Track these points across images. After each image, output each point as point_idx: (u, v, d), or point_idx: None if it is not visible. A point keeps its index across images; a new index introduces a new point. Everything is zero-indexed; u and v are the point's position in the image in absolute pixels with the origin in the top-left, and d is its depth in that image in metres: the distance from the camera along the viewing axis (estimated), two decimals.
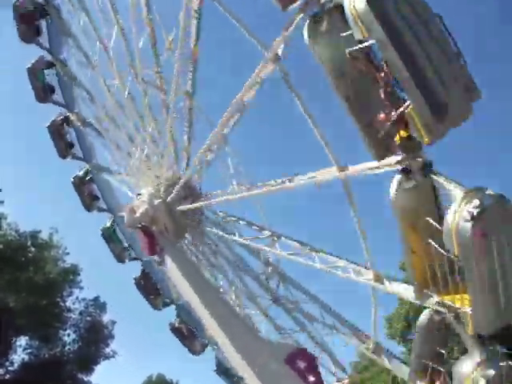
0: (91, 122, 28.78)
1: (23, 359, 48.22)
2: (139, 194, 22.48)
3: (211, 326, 19.70)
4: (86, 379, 50.70)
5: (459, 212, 11.13)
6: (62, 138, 31.09)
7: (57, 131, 30.83)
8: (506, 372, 13.02)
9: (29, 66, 29.17)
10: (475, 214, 10.79)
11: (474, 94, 11.27)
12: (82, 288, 52.14)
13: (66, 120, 30.69)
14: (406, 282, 16.74)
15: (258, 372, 16.87)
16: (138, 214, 21.25)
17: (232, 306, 23.42)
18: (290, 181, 17.31)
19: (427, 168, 12.75)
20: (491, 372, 12.59)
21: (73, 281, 51.47)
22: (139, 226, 21.23)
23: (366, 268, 17.64)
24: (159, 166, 23.31)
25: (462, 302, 12.68)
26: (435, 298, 13.61)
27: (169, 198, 21.79)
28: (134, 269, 33.39)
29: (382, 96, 11.35)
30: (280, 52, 14.63)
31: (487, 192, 11.33)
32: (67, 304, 51.16)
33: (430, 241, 12.65)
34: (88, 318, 51.55)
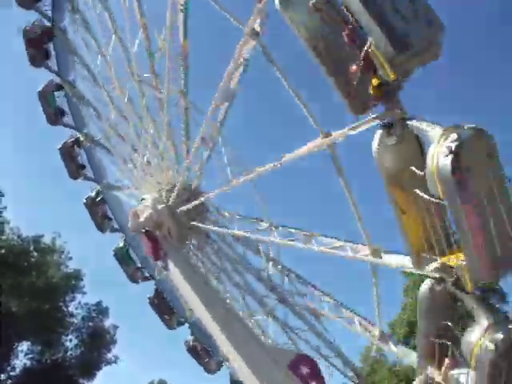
0: (100, 140, 29.31)
1: (25, 364, 48.43)
2: (143, 199, 22.55)
3: (213, 330, 19.71)
4: None
5: (438, 149, 10.83)
6: (73, 160, 31.71)
7: (68, 153, 31.46)
8: None
9: (39, 89, 30.07)
10: (453, 148, 10.46)
11: (438, 28, 11.15)
12: (84, 293, 52.33)
13: (77, 142, 31.34)
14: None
15: None
16: (141, 219, 21.26)
17: (235, 311, 23.38)
18: (277, 161, 17.11)
19: (406, 118, 12.38)
20: (499, 336, 11.97)
21: (75, 286, 51.57)
22: (143, 230, 21.26)
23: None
24: (160, 170, 23.42)
25: (458, 259, 12.44)
26: (433, 264, 13.12)
27: (170, 202, 21.83)
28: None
29: (346, 40, 11.45)
30: (257, 27, 14.59)
31: (466, 126, 11.01)
32: (69, 309, 51.48)
33: (416, 190, 12.20)
34: (90, 323, 51.60)
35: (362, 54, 11.22)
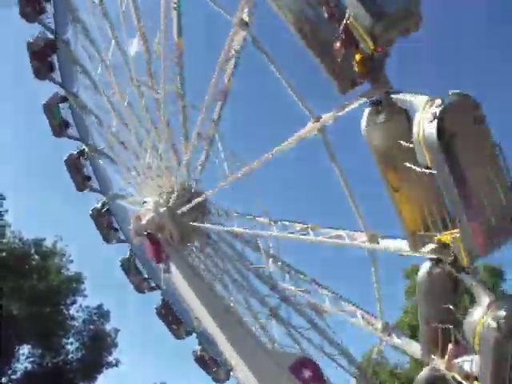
0: (103, 149, 29.72)
1: (26, 368, 48.06)
2: (145, 202, 22.64)
3: (216, 335, 19.73)
4: None
5: (423, 116, 10.70)
6: (79, 172, 32.14)
7: (74, 165, 31.90)
8: None
9: (44, 102, 30.65)
10: (438, 113, 10.35)
11: None
12: (85, 296, 52.20)
13: (82, 153, 31.72)
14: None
15: None
16: (144, 222, 21.38)
17: (235, 312, 23.40)
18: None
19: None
20: (502, 313, 11.59)
21: (76, 289, 51.40)
22: (145, 233, 21.34)
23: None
24: (161, 173, 23.51)
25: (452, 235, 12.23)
26: (430, 245, 12.91)
27: (171, 204, 21.90)
28: None
29: (326, 15, 11.65)
30: (246, 17, 14.75)
31: (450, 92, 10.85)
32: (70, 312, 51.10)
33: (407, 164, 11.99)
34: (91, 326, 51.41)
35: (342, 27, 11.29)
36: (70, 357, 49.92)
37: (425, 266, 13.62)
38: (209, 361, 31.57)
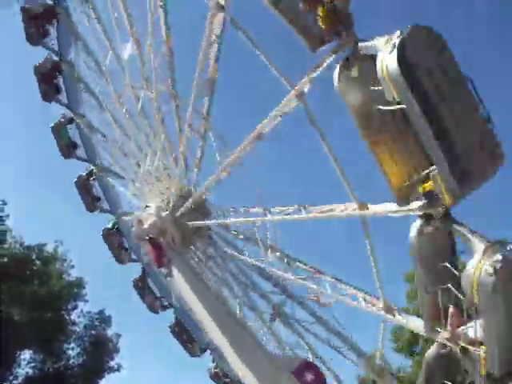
0: (111, 168, 30.06)
1: (27, 373, 47.88)
2: (147, 206, 22.68)
3: (217, 338, 19.74)
4: None
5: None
6: (88, 193, 32.55)
7: (83, 186, 32.30)
8: None
9: (52, 125, 31.28)
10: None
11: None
12: (86, 301, 52.14)
13: (90, 174, 32.08)
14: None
15: None
16: (146, 226, 21.41)
17: (237, 317, 23.40)
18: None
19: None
20: (498, 257, 11.29)
21: (77, 294, 51.31)
22: (147, 237, 21.36)
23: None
24: (161, 177, 23.57)
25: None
26: (417, 203, 12.76)
27: (178, 213, 21.95)
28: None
29: None
30: (221, 0, 14.92)
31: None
32: (72, 317, 50.98)
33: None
34: (93, 332, 51.33)
35: None
36: (71, 362, 49.84)
37: (415, 226, 13.29)
38: (223, 377, 31.45)
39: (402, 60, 10.31)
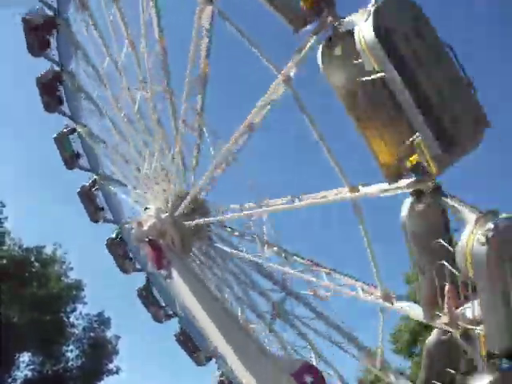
0: (113, 176, 30.20)
1: (26, 375, 47.92)
2: (147, 208, 22.68)
3: (216, 339, 19.73)
4: None
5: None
6: (92, 203, 32.57)
7: (86, 196, 32.33)
8: None
9: (55, 136, 31.41)
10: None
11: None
12: (85, 303, 52.14)
13: (94, 184, 32.19)
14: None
15: None
16: (145, 228, 21.39)
17: (237, 318, 23.38)
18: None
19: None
20: (490, 225, 11.21)
21: (76, 296, 51.34)
22: (147, 239, 21.34)
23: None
24: (167, 179, 23.59)
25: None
26: (406, 180, 12.76)
27: (176, 212, 21.96)
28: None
29: None
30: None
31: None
32: (71, 319, 51.04)
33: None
34: (92, 334, 51.32)
35: None
36: (70, 364, 49.84)
37: (406, 203, 13.21)
38: None
39: (377, 26, 10.42)
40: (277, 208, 18.95)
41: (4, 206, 47.01)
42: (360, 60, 11.23)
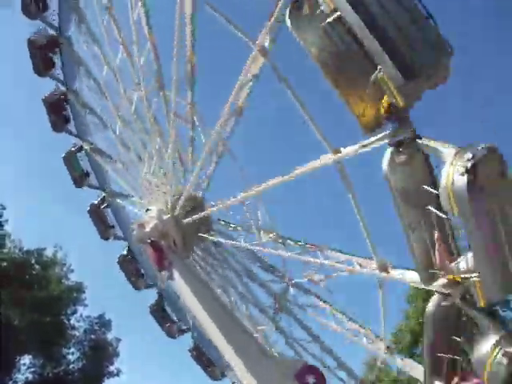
0: (121, 192, 30.54)
1: (27, 378, 47.82)
2: (148, 210, 22.73)
3: (217, 340, 19.74)
4: None
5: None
6: (102, 221, 32.88)
7: (96, 214, 32.67)
8: None
9: (63, 155, 31.87)
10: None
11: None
12: (86, 305, 52.12)
13: (103, 201, 32.53)
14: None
15: None
16: (147, 229, 21.44)
17: (240, 320, 23.38)
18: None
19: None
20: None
21: (77, 298, 51.33)
22: (148, 241, 21.39)
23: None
24: (166, 180, 23.65)
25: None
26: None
27: (176, 212, 22.02)
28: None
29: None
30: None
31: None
32: (71, 322, 51.06)
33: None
34: (92, 336, 51.29)
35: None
36: (71, 367, 49.80)
37: (386, 156, 13.11)
38: None
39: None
40: (267, 186, 18.44)
41: (4, 209, 47.11)
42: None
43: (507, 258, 11.10)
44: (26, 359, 48.20)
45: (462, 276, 12.31)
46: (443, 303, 13.60)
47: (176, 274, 21.16)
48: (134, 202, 27.43)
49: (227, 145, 20.41)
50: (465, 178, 10.63)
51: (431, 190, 12.15)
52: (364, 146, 13.63)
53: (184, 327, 32.89)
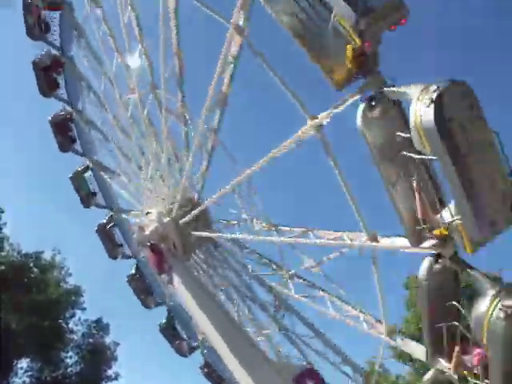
0: (128, 208, 30.62)
1: (24, 382, 47.50)
2: (148, 213, 22.73)
3: (217, 344, 19.73)
4: None
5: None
6: (110, 240, 33.34)
7: (104, 233, 33.11)
8: None
9: (71, 175, 32.65)
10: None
11: None
12: (84, 309, 51.92)
13: (110, 219, 32.97)
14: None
15: None
16: (147, 232, 21.46)
17: (240, 325, 23.36)
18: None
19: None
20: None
21: (75, 302, 51.17)
22: (148, 244, 21.39)
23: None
24: (164, 182, 23.70)
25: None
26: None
27: (173, 214, 22.02)
28: None
29: None
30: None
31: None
32: (70, 325, 50.78)
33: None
34: (90, 340, 51.09)
35: None
36: (69, 370, 49.45)
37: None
38: None
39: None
40: (256, 168, 17.91)
41: (3, 212, 46.99)
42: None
43: (485, 194, 10.97)
44: (24, 363, 47.99)
45: (447, 222, 12.06)
46: (435, 267, 13.29)
47: (176, 278, 21.17)
48: (138, 214, 27.50)
49: (217, 136, 20.38)
50: (431, 109, 10.53)
51: (404, 134, 11.98)
52: (337, 107, 13.56)
53: (194, 344, 32.93)
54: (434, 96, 10.55)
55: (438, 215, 12.62)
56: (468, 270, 12.73)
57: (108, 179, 30.39)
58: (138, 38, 21.82)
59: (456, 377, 13.74)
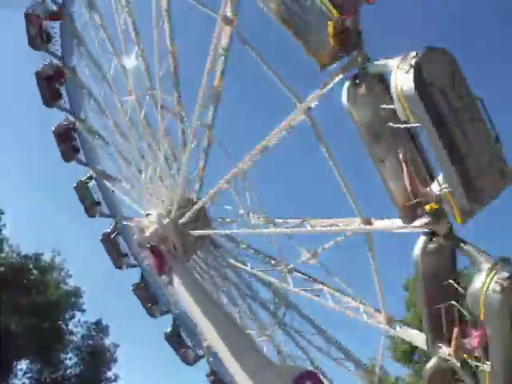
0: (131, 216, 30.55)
1: (24, 383, 47.62)
2: (148, 214, 22.75)
3: (217, 345, 19.74)
4: None
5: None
6: (114, 249, 33.77)
7: (109, 242, 33.49)
8: None
9: (75, 185, 33.05)
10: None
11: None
12: (84, 311, 51.87)
13: (115, 228, 33.38)
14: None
15: None
16: (147, 234, 21.48)
17: (238, 325, 23.38)
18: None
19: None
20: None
21: (75, 303, 51.10)
22: (148, 245, 21.41)
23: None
24: (163, 183, 23.74)
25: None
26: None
27: (180, 221, 22.03)
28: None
29: None
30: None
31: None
32: (69, 327, 50.72)
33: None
34: (90, 342, 51.03)
35: None
36: (68, 372, 49.36)
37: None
38: None
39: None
40: (250, 158, 18.05)
41: (3, 213, 46.97)
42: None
43: (471, 158, 10.96)
44: (23, 364, 47.90)
45: (436, 193, 11.99)
46: (430, 245, 13.18)
47: (176, 279, 21.19)
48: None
49: (211, 132, 20.40)
50: (410, 74, 10.52)
51: (388, 106, 11.86)
52: (324, 87, 13.51)
53: (200, 353, 33.02)
54: (413, 61, 10.60)
55: (428, 188, 12.54)
56: (462, 246, 12.65)
57: (111, 187, 30.69)
58: (134, 39, 22.10)
59: (459, 364, 13.67)
